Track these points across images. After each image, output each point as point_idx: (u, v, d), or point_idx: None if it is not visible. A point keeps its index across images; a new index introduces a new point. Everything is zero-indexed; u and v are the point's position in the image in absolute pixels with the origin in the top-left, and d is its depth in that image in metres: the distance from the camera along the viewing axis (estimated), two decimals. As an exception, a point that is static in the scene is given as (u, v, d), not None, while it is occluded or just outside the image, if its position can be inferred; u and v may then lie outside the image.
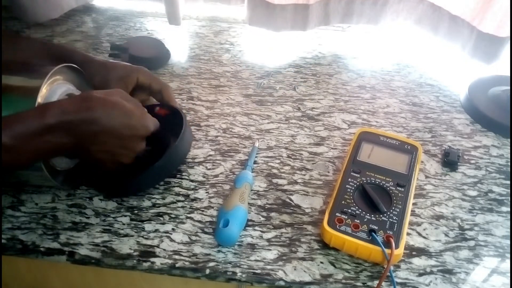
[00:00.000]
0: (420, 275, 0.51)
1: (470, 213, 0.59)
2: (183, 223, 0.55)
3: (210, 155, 0.65)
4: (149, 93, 0.66)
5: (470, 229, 0.56)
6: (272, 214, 0.57)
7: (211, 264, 0.51)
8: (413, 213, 0.58)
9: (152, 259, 0.51)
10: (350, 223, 0.52)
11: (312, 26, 0.88)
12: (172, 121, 0.60)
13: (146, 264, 0.51)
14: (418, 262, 0.52)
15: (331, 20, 0.89)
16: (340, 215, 0.52)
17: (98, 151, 0.50)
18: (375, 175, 0.57)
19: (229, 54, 0.87)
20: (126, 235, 0.54)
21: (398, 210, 0.53)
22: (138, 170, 0.55)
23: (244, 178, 0.57)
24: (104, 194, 0.59)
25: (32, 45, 0.61)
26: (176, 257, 0.51)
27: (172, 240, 0.53)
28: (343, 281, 0.50)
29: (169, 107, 0.63)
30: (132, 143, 0.51)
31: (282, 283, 0.50)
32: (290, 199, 0.59)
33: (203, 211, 0.57)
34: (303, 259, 0.52)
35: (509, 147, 0.69)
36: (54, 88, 0.52)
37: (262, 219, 0.56)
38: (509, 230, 0.57)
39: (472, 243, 0.55)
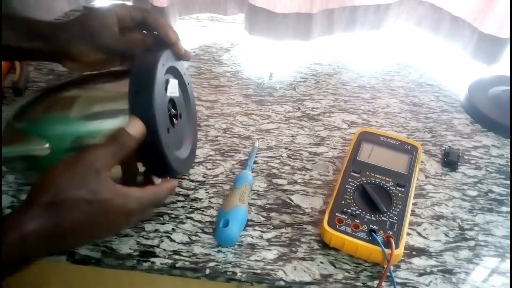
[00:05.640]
0: (420, 275, 0.51)
1: (470, 213, 0.59)
2: (183, 223, 0.55)
3: (210, 155, 0.65)
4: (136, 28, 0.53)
5: (470, 229, 0.56)
6: (272, 214, 0.57)
7: (211, 264, 0.51)
8: (413, 213, 0.58)
9: (152, 259, 0.51)
10: (350, 223, 0.52)
11: (315, 36, 0.86)
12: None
13: (146, 264, 0.51)
14: (418, 262, 0.52)
15: (335, 30, 0.87)
16: (340, 215, 0.52)
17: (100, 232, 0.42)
18: (375, 175, 0.57)
19: (229, 54, 0.87)
20: (126, 235, 0.54)
21: (398, 210, 0.53)
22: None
23: (244, 178, 0.57)
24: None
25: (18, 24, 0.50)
26: (176, 257, 0.51)
27: (172, 240, 0.53)
28: (343, 281, 0.50)
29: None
30: (127, 219, 0.43)
31: (282, 283, 0.50)
32: (290, 199, 0.59)
33: (203, 211, 0.57)
34: (303, 259, 0.52)
35: (509, 147, 0.69)
36: None
37: (262, 219, 0.56)
38: (509, 230, 0.57)
39: (472, 243, 0.55)
